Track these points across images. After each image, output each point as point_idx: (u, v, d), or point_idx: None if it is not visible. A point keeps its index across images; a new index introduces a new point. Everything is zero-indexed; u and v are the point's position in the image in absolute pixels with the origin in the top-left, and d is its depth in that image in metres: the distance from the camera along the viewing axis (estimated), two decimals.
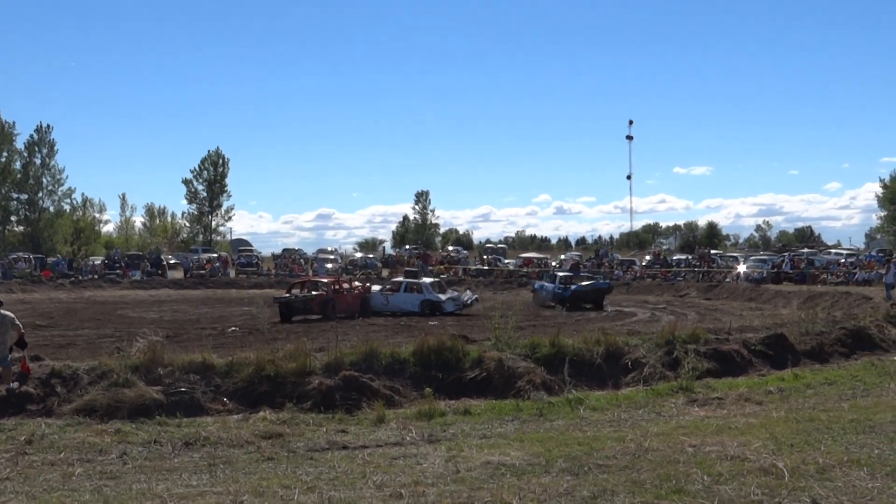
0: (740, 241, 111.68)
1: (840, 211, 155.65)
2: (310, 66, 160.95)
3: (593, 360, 14.63)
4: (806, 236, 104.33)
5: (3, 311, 12.16)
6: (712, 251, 60.79)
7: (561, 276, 39.74)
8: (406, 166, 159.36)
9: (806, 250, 59.22)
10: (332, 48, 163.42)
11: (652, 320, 30.12)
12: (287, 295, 31.36)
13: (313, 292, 31.35)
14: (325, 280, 34.15)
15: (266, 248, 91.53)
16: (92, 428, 10.78)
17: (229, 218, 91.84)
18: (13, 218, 76.30)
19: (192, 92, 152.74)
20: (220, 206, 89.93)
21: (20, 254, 60.54)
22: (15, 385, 12.19)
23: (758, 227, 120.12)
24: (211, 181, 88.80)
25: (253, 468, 8.92)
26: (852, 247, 68.93)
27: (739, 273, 47.78)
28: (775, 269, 47.56)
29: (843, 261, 48.34)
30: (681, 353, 14.92)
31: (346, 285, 33.75)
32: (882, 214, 70.92)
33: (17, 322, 12.43)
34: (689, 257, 57.31)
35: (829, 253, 56.44)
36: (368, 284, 36.41)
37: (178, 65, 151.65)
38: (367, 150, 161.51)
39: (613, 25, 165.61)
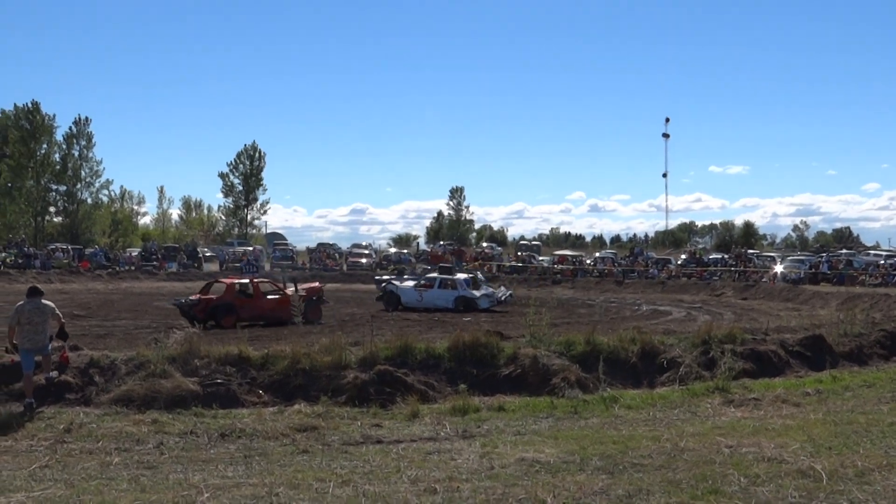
0: (777, 241, 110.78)
1: (879, 212, 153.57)
2: (345, 61, 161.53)
3: (628, 358, 14.56)
4: (844, 237, 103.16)
5: (43, 301, 12.27)
6: (749, 251, 60.27)
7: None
8: (440, 162, 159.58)
9: (844, 251, 58.48)
10: (368, 43, 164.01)
11: (687, 319, 29.95)
12: (191, 298, 26.60)
13: (201, 297, 26.21)
14: (226, 281, 28.26)
15: (300, 242, 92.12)
16: (129, 418, 10.90)
17: (264, 212, 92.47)
18: (52, 209, 77.17)
19: (230, 86, 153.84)
20: (255, 199, 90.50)
21: (59, 245, 61.25)
22: (54, 374, 12.33)
23: (795, 228, 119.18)
24: (247, 175, 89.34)
25: (288, 461, 8.97)
26: (891, 248, 68.06)
27: (776, 273, 47.34)
28: (813, 270, 47.08)
29: (882, 262, 47.68)
30: (717, 353, 14.79)
31: (272, 287, 28.16)
32: None
33: (58, 312, 12.54)
34: (726, 257, 56.86)
35: (868, 254, 55.71)
36: (319, 285, 30.22)
37: (216, 60, 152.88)
38: (402, 145, 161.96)
39: (650, 23, 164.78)
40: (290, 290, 26.97)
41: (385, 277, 42.79)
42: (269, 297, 26.84)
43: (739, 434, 10.09)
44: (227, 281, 28.44)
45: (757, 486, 7.67)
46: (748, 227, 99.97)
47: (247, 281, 28.54)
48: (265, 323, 25.06)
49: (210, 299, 25.91)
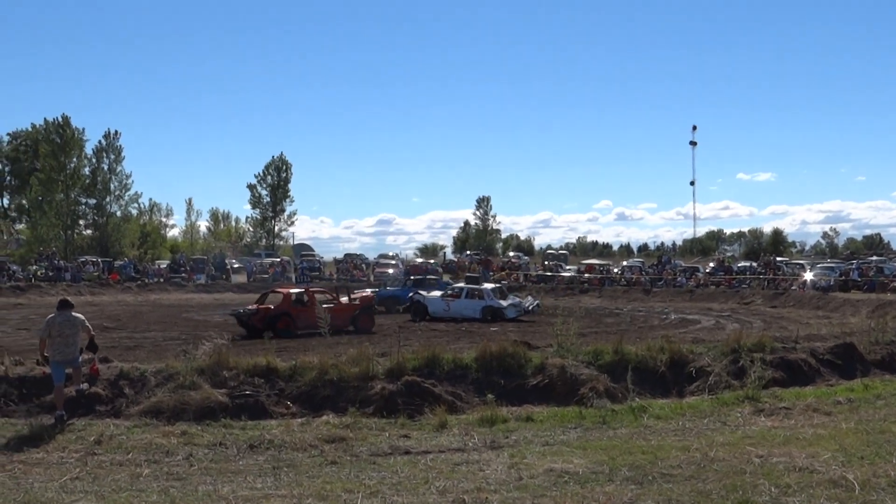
0: (806, 248, 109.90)
1: None
2: (371, 72, 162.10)
3: (657, 367, 14.48)
4: (874, 243, 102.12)
5: (73, 314, 12.37)
6: (778, 258, 59.83)
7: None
8: (467, 172, 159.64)
9: (875, 258, 57.89)
10: (394, 54, 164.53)
11: (716, 328, 29.78)
12: (248, 308, 27.91)
13: (259, 306, 27.42)
14: (282, 291, 29.28)
15: (327, 253, 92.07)
16: (159, 429, 10.95)
17: (292, 223, 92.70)
18: (82, 222, 77.75)
19: (257, 98, 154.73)
20: (282, 210, 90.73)
21: (88, 257, 61.74)
22: (84, 386, 12.43)
23: (824, 235, 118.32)
24: (274, 186, 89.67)
25: (316, 472, 8.99)
26: None
27: (806, 281, 46.90)
28: (843, 277, 46.58)
29: None
30: (746, 362, 14.66)
31: (326, 296, 29.20)
32: None
33: (88, 324, 12.64)
34: (754, 264, 56.43)
35: None
36: (371, 294, 32.39)
37: (243, 72, 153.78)
38: (428, 155, 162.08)
39: (676, 30, 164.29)
40: (344, 299, 28.47)
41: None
42: (324, 306, 26.91)
43: (770, 444, 10.01)
44: (283, 290, 29.38)
45: (788, 496, 7.61)
46: (777, 235, 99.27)
47: (302, 290, 29.51)
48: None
49: (268, 309, 26.79)
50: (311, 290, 29.95)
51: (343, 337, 21.25)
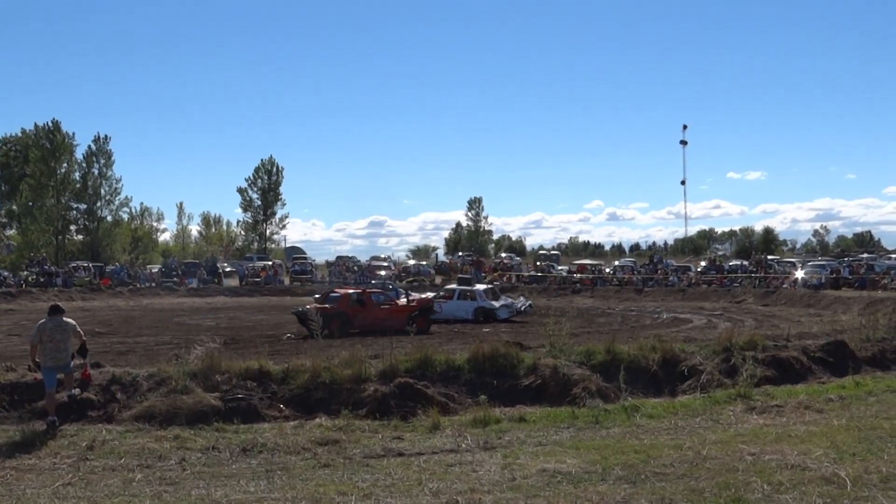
0: (797, 246, 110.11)
1: None
2: (361, 75, 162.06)
3: (649, 367, 14.48)
4: (865, 241, 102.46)
5: (64, 319, 12.31)
6: (769, 257, 59.95)
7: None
8: (458, 173, 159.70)
9: (865, 255, 58.13)
10: (385, 57, 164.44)
11: (708, 327, 29.85)
12: (308, 307, 27.96)
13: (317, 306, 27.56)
14: (340, 292, 30.58)
15: (319, 256, 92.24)
16: (151, 434, 10.91)
17: (283, 226, 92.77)
18: (73, 227, 77.56)
19: (247, 102, 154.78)
20: (274, 214, 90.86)
21: (80, 262, 61.54)
22: (76, 391, 12.39)
23: (815, 233, 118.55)
24: (265, 190, 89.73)
25: (310, 475, 8.97)
26: None
27: (797, 279, 47.03)
28: (834, 275, 46.71)
29: None
30: (738, 361, 14.69)
31: (384, 297, 30.72)
32: None
33: (79, 329, 12.59)
34: (746, 263, 56.57)
35: (890, 258, 55.40)
36: (429, 297, 33.04)
37: (233, 75, 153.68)
38: (419, 157, 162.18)
39: (666, 31, 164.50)
40: (402, 300, 30.01)
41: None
42: (381, 306, 28.91)
43: (762, 441, 10.03)
44: (342, 291, 30.88)
45: (780, 493, 7.63)
46: (768, 233, 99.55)
47: (360, 291, 30.98)
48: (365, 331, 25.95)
49: (325, 308, 27.22)
50: (367, 291, 31.17)
51: (335, 341, 21.22)
